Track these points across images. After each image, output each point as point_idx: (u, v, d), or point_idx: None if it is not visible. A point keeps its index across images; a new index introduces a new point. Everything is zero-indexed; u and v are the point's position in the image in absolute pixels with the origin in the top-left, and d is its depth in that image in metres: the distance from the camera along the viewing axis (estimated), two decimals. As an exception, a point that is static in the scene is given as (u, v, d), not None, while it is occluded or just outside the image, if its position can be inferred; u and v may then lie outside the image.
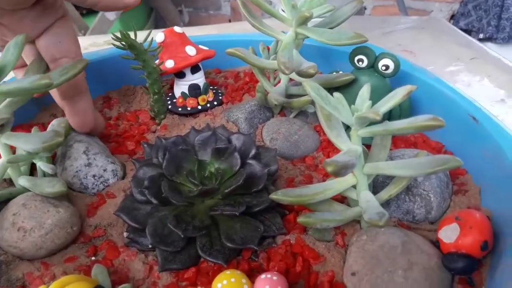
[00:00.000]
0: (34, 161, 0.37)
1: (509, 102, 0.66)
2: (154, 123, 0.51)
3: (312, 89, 0.33)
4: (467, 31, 1.70)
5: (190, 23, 2.35)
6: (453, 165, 0.30)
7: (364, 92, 0.32)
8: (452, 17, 1.91)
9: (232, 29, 1.07)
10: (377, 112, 0.28)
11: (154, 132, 0.49)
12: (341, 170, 0.28)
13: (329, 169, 0.27)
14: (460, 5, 1.88)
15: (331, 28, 0.45)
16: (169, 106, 0.52)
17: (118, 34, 0.44)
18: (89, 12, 1.89)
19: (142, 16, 2.14)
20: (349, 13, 0.45)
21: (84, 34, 1.65)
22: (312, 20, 0.42)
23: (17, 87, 0.31)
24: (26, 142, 0.34)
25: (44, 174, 0.40)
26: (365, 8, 1.88)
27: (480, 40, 1.67)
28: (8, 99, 0.34)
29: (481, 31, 1.84)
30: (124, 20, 1.92)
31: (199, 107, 0.52)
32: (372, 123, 0.32)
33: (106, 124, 0.50)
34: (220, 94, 0.55)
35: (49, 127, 0.42)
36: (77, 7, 1.75)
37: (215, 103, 0.53)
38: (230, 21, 2.32)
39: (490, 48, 0.87)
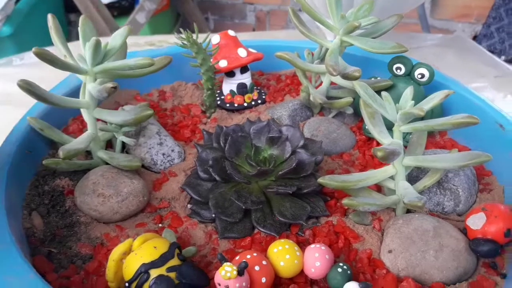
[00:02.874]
0: (116, 135, 0.43)
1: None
2: (205, 116, 0.56)
3: (361, 87, 0.38)
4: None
5: (215, 31, 2.42)
6: (484, 159, 0.35)
7: (408, 93, 0.37)
8: (475, 38, 1.95)
9: (260, 37, 1.13)
10: (422, 108, 0.33)
11: (205, 124, 0.55)
12: (390, 156, 0.32)
13: (379, 154, 0.32)
14: (483, 27, 1.92)
15: (373, 38, 0.50)
16: (218, 102, 0.57)
17: (183, 35, 0.49)
18: (120, 14, 1.98)
19: (170, 21, 2.22)
20: (390, 26, 0.50)
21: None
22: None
23: (123, 64, 0.37)
24: (117, 116, 0.39)
25: (123, 149, 0.45)
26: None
27: (501, 62, 1.70)
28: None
29: (503, 53, 1.87)
30: (153, 23, 2.00)
31: (245, 104, 0.57)
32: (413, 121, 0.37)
33: (162, 114, 0.55)
34: (263, 94, 0.60)
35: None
36: (109, 8, 1.83)
37: (259, 101, 0.58)
38: (254, 30, 2.39)
39: (512, 70, 0.91)
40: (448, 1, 1.92)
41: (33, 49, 0.34)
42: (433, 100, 0.36)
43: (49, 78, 0.55)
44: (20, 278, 0.29)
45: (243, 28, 2.40)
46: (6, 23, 1.49)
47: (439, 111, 0.50)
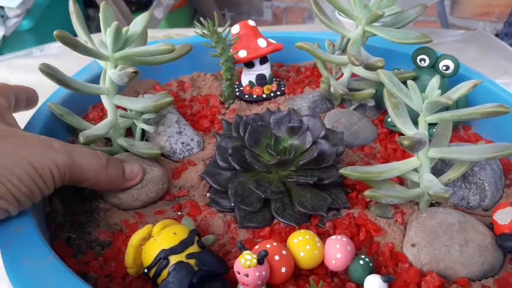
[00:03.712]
0: (136, 122, 0.42)
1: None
2: (223, 107, 0.56)
3: (386, 76, 0.37)
4: (511, 51, 1.70)
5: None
6: (513, 151, 0.34)
7: (434, 82, 0.36)
8: (496, 36, 1.91)
9: (279, 30, 1.12)
10: (449, 97, 0.32)
11: (224, 114, 0.54)
12: (416, 145, 0.31)
13: (406, 142, 0.31)
14: (504, 25, 1.87)
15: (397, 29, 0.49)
16: (237, 93, 0.57)
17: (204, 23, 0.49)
18: (138, 9, 1.99)
19: (187, 17, 2.23)
20: (414, 16, 0.49)
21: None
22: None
23: (143, 50, 0.36)
24: (137, 102, 0.39)
25: (143, 137, 0.45)
26: (407, 22, 1.90)
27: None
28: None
29: (525, 52, 1.83)
30: (170, 19, 2.01)
31: (264, 96, 0.57)
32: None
33: (181, 104, 0.55)
34: (282, 85, 0.59)
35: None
36: (127, 4, 1.85)
37: (278, 93, 0.58)
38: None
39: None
40: (469, -1, 1.88)
41: (55, 32, 0.34)
42: (460, 90, 0.35)
43: (68, 69, 0.55)
44: (39, 260, 0.29)
45: (260, 24, 2.39)
46: (26, 17, 1.51)
47: (464, 104, 0.49)
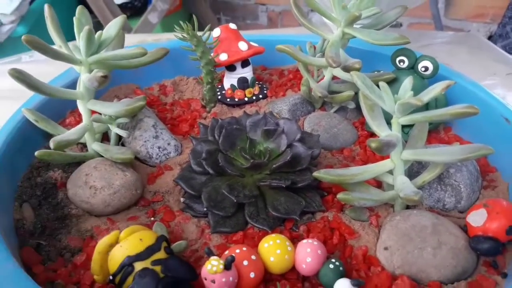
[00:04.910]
0: (110, 126, 0.42)
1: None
2: (205, 110, 0.55)
3: (359, 78, 0.37)
4: (505, 53, 1.69)
5: (227, 31, 2.40)
6: (485, 152, 0.33)
7: (406, 83, 0.36)
8: (490, 38, 1.91)
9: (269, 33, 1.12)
10: (419, 98, 0.32)
11: (205, 118, 0.54)
12: (384, 147, 0.31)
13: (373, 145, 0.31)
14: (498, 27, 1.87)
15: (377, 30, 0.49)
16: (219, 97, 0.57)
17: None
18: (133, 14, 1.99)
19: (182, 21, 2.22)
20: (394, 18, 0.49)
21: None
22: (357, 23, 0.46)
23: (115, 53, 0.36)
24: (110, 107, 0.39)
25: (119, 142, 0.45)
26: (401, 25, 1.90)
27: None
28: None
29: (519, 53, 1.82)
30: (165, 24, 2.00)
31: (246, 99, 0.56)
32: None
33: (162, 108, 0.55)
34: (265, 89, 0.59)
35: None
36: (122, 9, 1.85)
37: (260, 96, 0.57)
38: (266, 30, 2.38)
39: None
40: (463, 1, 1.88)
41: (23, 36, 0.33)
42: (433, 90, 0.35)
43: (57, 75, 0.54)
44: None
45: (255, 28, 2.39)
46: (21, 23, 1.51)
47: (444, 105, 0.48)
